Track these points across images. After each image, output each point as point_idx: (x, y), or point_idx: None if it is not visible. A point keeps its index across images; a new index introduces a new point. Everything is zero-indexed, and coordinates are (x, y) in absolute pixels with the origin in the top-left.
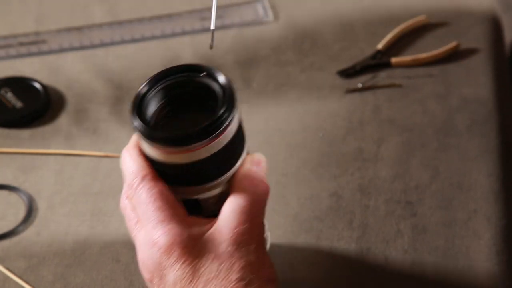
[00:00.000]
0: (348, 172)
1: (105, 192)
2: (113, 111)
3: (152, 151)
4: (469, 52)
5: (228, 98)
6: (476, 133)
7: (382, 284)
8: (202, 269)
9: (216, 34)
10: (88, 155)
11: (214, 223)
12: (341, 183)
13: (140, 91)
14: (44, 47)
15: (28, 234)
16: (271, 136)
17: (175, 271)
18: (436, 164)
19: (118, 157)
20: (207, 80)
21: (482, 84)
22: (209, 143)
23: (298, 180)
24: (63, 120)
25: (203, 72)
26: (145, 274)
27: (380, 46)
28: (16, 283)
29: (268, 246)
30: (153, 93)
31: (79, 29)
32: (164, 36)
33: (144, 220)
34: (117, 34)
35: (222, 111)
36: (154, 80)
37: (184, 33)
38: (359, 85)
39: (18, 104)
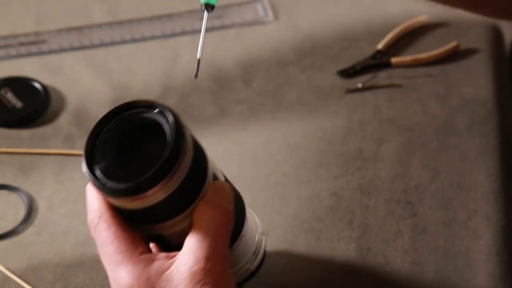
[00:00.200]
0: (348, 172)
1: None
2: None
3: (108, 198)
4: (469, 52)
5: (175, 137)
6: (476, 133)
7: (382, 284)
8: None
9: (216, 34)
10: None
11: (175, 259)
12: (341, 183)
13: (90, 135)
14: (44, 47)
15: (28, 234)
16: (271, 136)
17: None
18: (436, 164)
19: None
20: (154, 115)
21: (482, 84)
22: (162, 187)
23: (298, 180)
24: (63, 120)
25: (148, 108)
26: None
27: (380, 46)
28: (16, 283)
29: (263, 251)
30: (103, 137)
31: (79, 29)
32: (164, 36)
33: (106, 261)
34: (117, 34)
35: (168, 153)
36: (104, 122)
37: (184, 33)
38: (359, 85)
39: (18, 104)
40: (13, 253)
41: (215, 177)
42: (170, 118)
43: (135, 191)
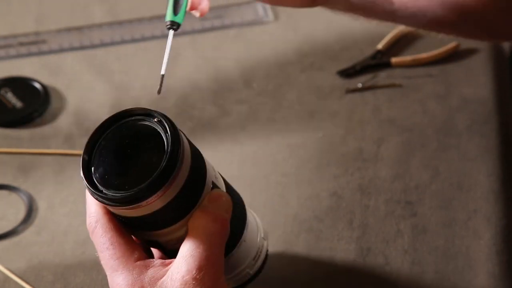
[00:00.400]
0: (348, 172)
1: None
2: (113, 111)
3: (106, 206)
4: (469, 52)
5: (173, 146)
6: (476, 133)
7: (382, 284)
8: None
9: (217, 33)
10: None
11: (169, 267)
12: (341, 183)
13: (87, 143)
14: (44, 47)
15: (28, 234)
16: (271, 136)
17: None
18: (436, 164)
19: None
20: (152, 124)
21: (482, 84)
22: (159, 197)
23: (298, 180)
24: (63, 120)
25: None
26: None
27: (380, 46)
28: (16, 283)
29: (264, 255)
30: (100, 145)
31: (79, 29)
32: (164, 36)
33: (103, 265)
34: (117, 34)
35: (166, 162)
36: (101, 130)
37: (184, 33)
38: (359, 85)
39: (18, 104)
40: (13, 253)
41: (214, 185)
42: (168, 126)
43: (132, 200)
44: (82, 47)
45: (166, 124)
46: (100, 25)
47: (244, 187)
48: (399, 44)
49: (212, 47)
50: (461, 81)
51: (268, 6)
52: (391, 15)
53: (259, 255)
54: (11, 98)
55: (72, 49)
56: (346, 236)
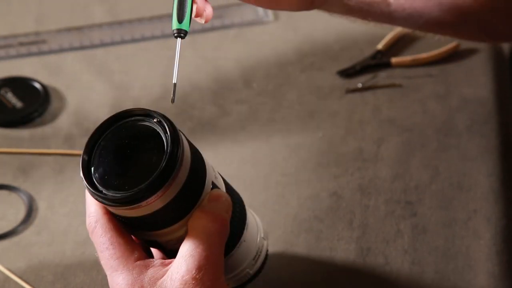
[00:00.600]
0: (348, 172)
1: None
2: (113, 111)
3: (105, 206)
4: (469, 52)
5: (172, 146)
6: (476, 133)
7: (382, 284)
8: None
9: (217, 33)
10: None
11: (169, 267)
12: (341, 183)
13: (87, 144)
14: (44, 47)
15: (28, 234)
16: (270, 136)
17: None
18: (436, 164)
19: None
20: (151, 124)
21: (482, 84)
22: (159, 197)
23: (298, 180)
24: (63, 120)
25: (145, 116)
26: None
27: (380, 46)
28: (16, 283)
29: (264, 255)
30: (100, 145)
31: (79, 29)
32: (164, 36)
33: (103, 265)
34: (117, 34)
35: (165, 163)
36: (101, 130)
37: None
38: (359, 85)
39: (18, 104)
40: (13, 253)
41: (214, 185)
42: (168, 127)
43: (132, 200)
44: (82, 47)
45: (165, 125)
46: (100, 25)
47: (244, 187)
48: (399, 44)
49: (212, 47)
50: (461, 81)
51: None
52: (388, 17)
53: (259, 255)
54: (11, 98)
55: (72, 49)
56: (346, 236)
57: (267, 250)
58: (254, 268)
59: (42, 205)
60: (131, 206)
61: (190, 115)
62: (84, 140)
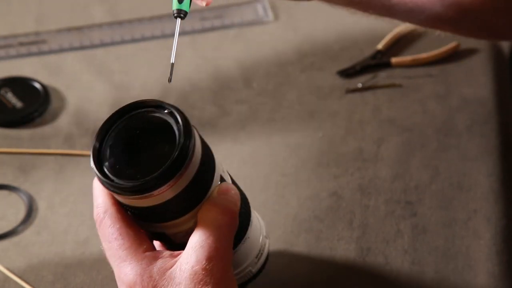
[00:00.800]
0: (348, 172)
1: None
2: (113, 111)
3: (115, 195)
4: (469, 52)
5: (184, 137)
6: (476, 133)
7: (382, 284)
8: None
9: (217, 33)
10: (88, 155)
11: (178, 258)
12: (341, 183)
13: (98, 132)
14: (44, 47)
15: (28, 234)
16: (271, 136)
17: None
18: (436, 164)
19: None
20: (163, 116)
21: (482, 84)
22: (170, 187)
23: (298, 180)
24: (63, 120)
25: (157, 108)
26: None
27: (380, 46)
28: (16, 283)
29: (266, 254)
30: (111, 135)
31: (79, 29)
32: (164, 36)
33: (110, 257)
34: (117, 34)
35: (177, 152)
36: (113, 120)
37: (184, 33)
38: (359, 85)
39: (18, 104)
40: (13, 253)
41: (222, 179)
42: (180, 118)
43: (143, 189)
44: (82, 47)
45: (177, 115)
46: (100, 25)
47: (244, 187)
48: (399, 44)
49: (212, 47)
50: (461, 81)
51: (268, 6)
52: (389, 10)
53: (262, 254)
54: (11, 98)
55: (72, 49)
56: (346, 236)
57: (268, 250)
58: (256, 267)
59: (42, 205)
60: (143, 195)
61: (190, 115)
62: (84, 140)
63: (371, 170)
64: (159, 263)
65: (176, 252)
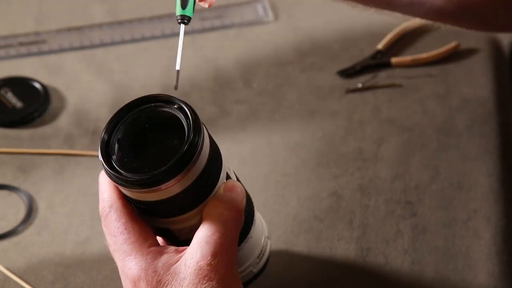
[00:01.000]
0: (348, 172)
1: None
2: (113, 111)
3: (122, 189)
4: (469, 52)
5: (193, 132)
6: (476, 133)
7: (382, 284)
8: None
9: (217, 33)
10: (88, 155)
11: (183, 254)
12: (341, 183)
13: (107, 126)
14: (44, 47)
15: (28, 234)
16: (271, 136)
17: None
18: (436, 164)
19: None
20: (172, 110)
21: (482, 84)
22: (177, 181)
23: (298, 180)
24: (63, 120)
25: (166, 102)
26: None
27: (380, 46)
28: (16, 283)
29: (267, 255)
30: (120, 128)
31: (79, 29)
32: (164, 36)
33: (115, 251)
34: (117, 34)
35: (186, 147)
36: (122, 114)
37: (184, 33)
38: (359, 85)
39: (18, 104)
40: (13, 253)
41: (228, 177)
42: (189, 113)
43: (151, 183)
44: (82, 47)
45: (187, 110)
46: (100, 25)
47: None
48: (399, 44)
49: (212, 47)
50: (461, 81)
51: (268, 6)
52: (390, 4)
53: (263, 254)
54: (11, 98)
55: (72, 49)
56: (346, 236)
57: (269, 251)
58: (258, 267)
59: (42, 205)
60: (150, 189)
61: None
62: (84, 140)
63: (371, 170)
64: (164, 258)
65: (181, 248)
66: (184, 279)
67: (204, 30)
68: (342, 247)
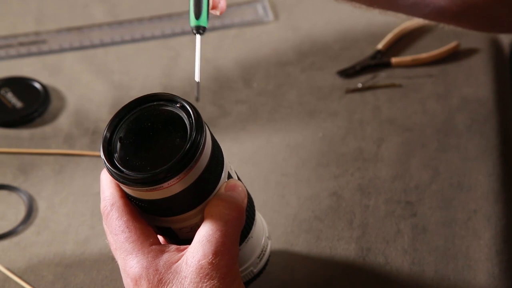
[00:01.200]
0: (348, 172)
1: None
2: (113, 111)
3: (124, 187)
4: (469, 52)
5: (196, 131)
6: (476, 133)
7: (382, 284)
8: None
9: (217, 33)
10: (88, 155)
11: (185, 252)
12: (341, 183)
13: (109, 124)
14: (44, 47)
15: (28, 234)
16: (271, 136)
17: None
18: (436, 164)
19: None
20: (174, 109)
21: (482, 84)
22: (179, 180)
23: (298, 180)
24: (63, 120)
25: (169, 101)
26: None
27: (380, 46)
28: (16, 283)
29: (268, 255)
30: (122, 127)
31: (79, 29)
32: (164, 36)
33: (117, 250)
34: (117, 34)
35: (188, 146)
36: (124, 112)
37: (184, 33)
38: (359, 85)
39: (18, 104)
40: (13, 253)
41: (230, 176)
42: (192, 112)
43: (153, 181)
44: (82, 47)
45: (189, 109)
46: (100, 25)
47: None
48: (399, 44)
49: (212, 47)
50: (461, 81)
51: (268, 6)
52: (393, 5)
53: (264, 254)
54: (11, 98)
55: (72, 49)
56: (346, 236)
57: (270, 251)
58: (258, 267)
59: (42, 205)
60: (152, 187)
61: None
62: (84, 140)
63: (371, 170)
64: (165, 256)
65: (183, 246)
66: (185, 277)
67: None
68: (342, 247)
